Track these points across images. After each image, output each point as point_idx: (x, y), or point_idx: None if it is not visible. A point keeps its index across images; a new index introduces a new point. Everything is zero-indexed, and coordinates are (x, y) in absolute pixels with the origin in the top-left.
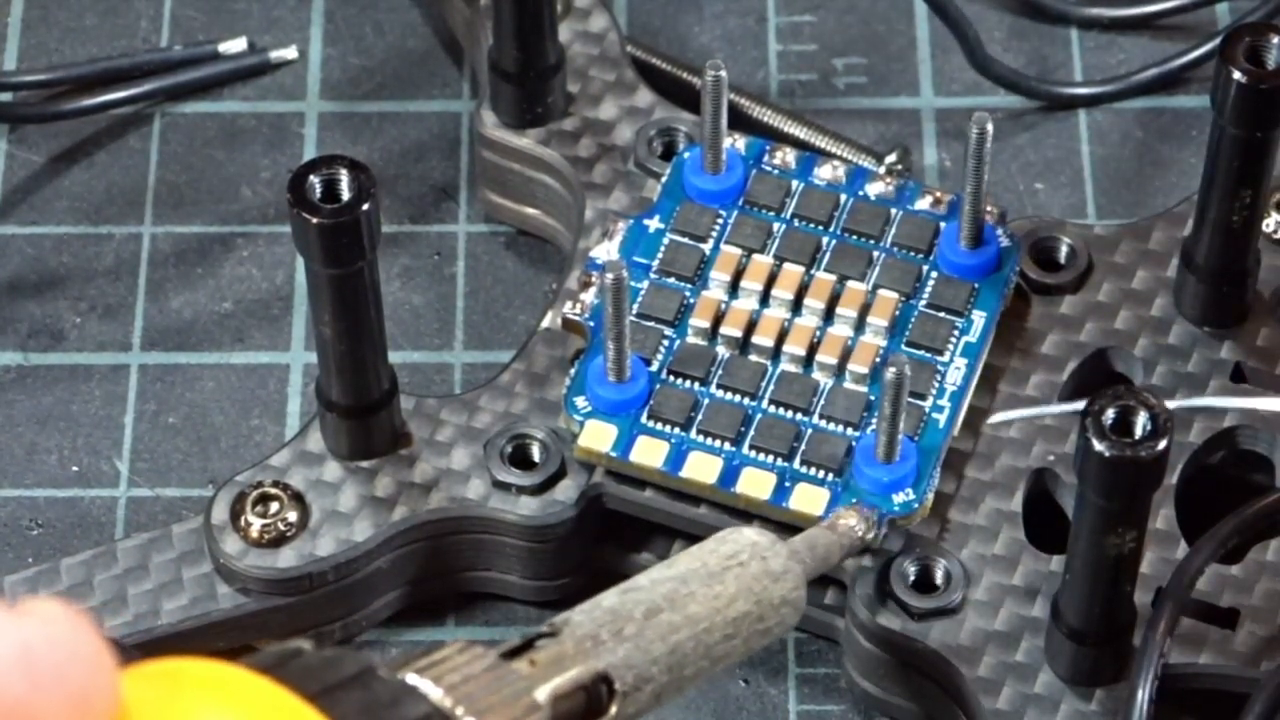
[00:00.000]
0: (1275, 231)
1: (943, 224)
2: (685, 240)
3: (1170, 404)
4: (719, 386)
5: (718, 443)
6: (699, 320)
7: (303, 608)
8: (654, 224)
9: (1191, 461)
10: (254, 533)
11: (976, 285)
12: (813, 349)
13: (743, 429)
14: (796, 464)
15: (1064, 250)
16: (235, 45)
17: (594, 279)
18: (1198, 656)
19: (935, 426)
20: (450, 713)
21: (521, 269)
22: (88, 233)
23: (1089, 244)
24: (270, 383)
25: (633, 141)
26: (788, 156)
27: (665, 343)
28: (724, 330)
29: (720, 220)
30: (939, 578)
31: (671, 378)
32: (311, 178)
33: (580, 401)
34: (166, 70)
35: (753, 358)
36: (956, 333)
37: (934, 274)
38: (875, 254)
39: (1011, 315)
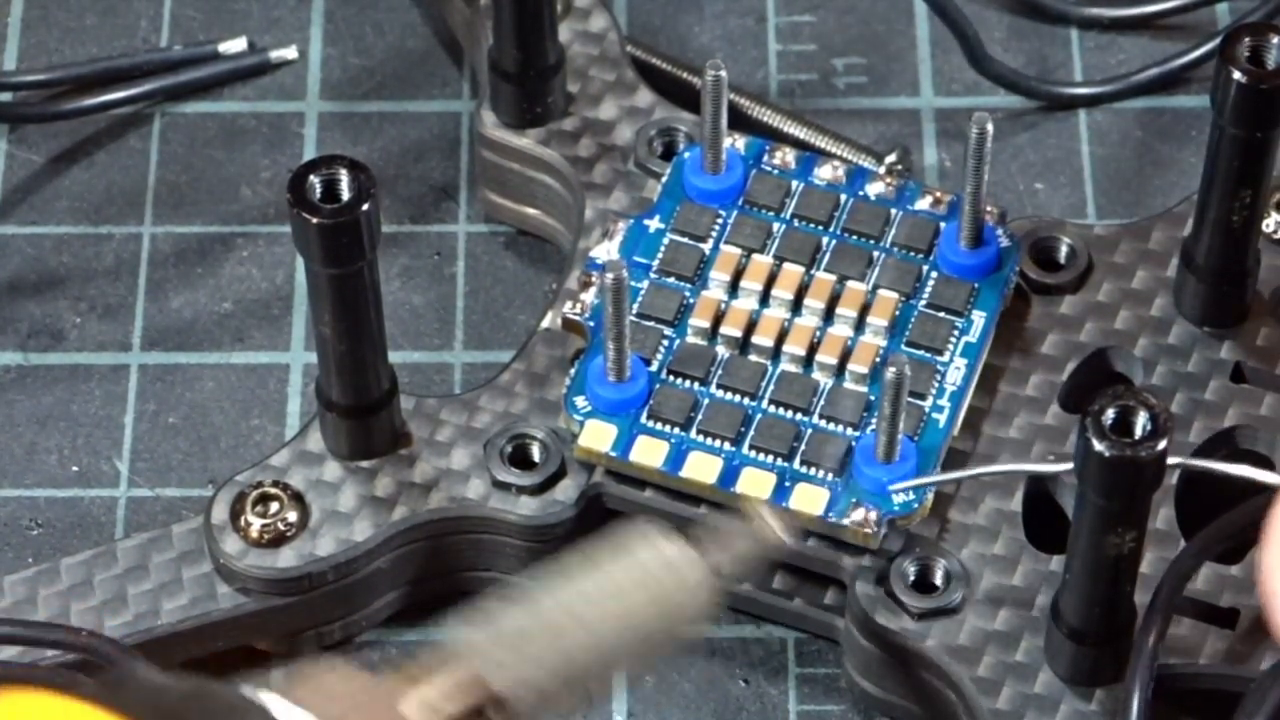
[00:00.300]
0: (1275, 231)
1: (943, 224)
2: (685, 240)
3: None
4: (719, 386)
5: (718, 443)
6: (699, 320)
7: (302, 608)
8: (654, 224)
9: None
10: (254, 533)
11: (976, 285)
12: (813, 349)
13: (743, 429)
14: (796, 464)
15: (1064, 250)
16: (235, 45)
17: (594, 279)
18: (1197, 657)
19: (935, 426)
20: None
21: (521, 269)
22: (88, 233)
23: (1089, 244)
24: (270, 383)
25: (633, 141)
26: (788, 156)
27: (665, 343)
28: (724, 330)
29: (720, 220)
30: (939, 578)
31: (671, 378)
32: (311, 178)
33: (580, 401)
34: (166, 70)
35: (753, 358)
36: (956, 333)
37: (934, 274)
38: (875, 254)
39: (1011, 315)
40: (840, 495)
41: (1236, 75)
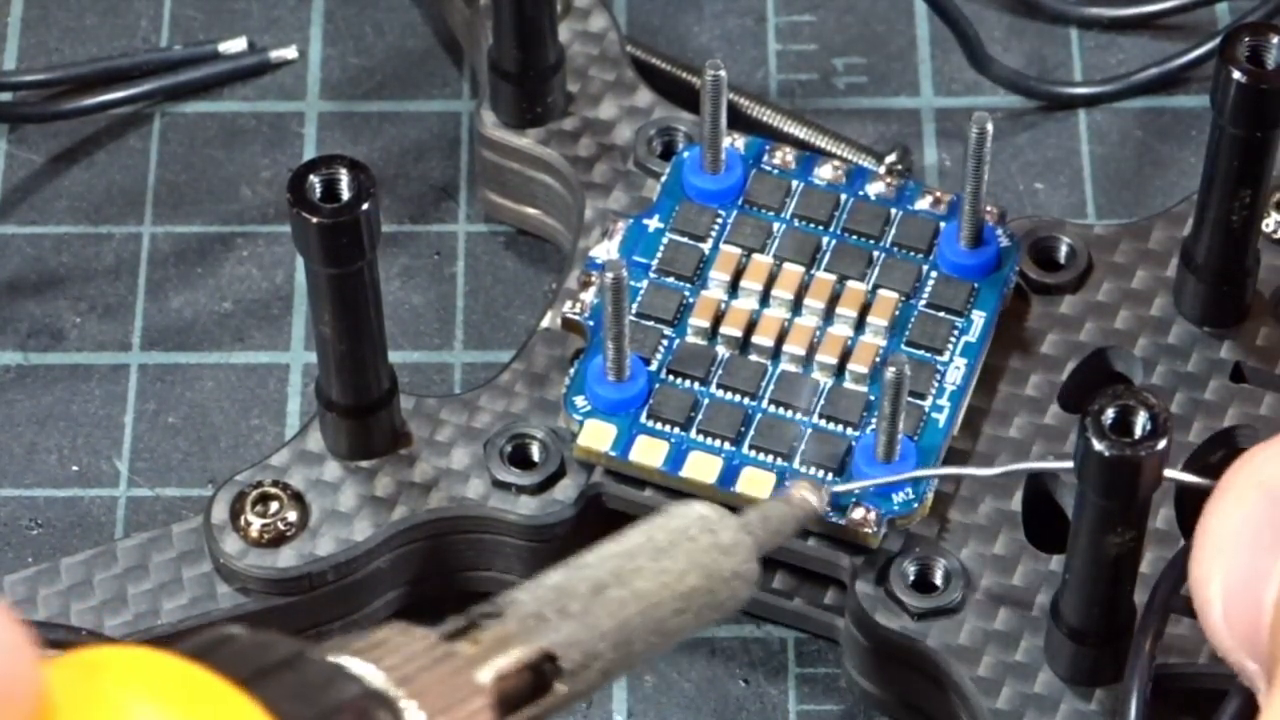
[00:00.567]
0: (1275, 231)
1: (943, 224)
2: (685, 240)
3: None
4: (719, 386)
5: (717, 442)
6: (699, 320)
7: (302, 608)
8: (654, 224)
9: (1191, 461)
10: (254, 532)
11: (976, 285)
12: (813, 349)
13: (743, 429)
14: (796, 464)
15: (1064, 250)
16: (235, 45)
17: (594, 279)
18: (1197, 657)
19: (935, 426)
20: (387, 695)
21: (521, 269)
22: (88, 233)
23: (1089, 244)
24: (270, 383)
25: (632, 141)
26: (787, 156)
27: (665, 342)
28: (724, 330)
29: (720, 220)
30: (939, 578)
31: (671, 377)
32: (311, 177)
33: (580, 401)
34: (166, 70)
35: (753, 357)
36: (956, 332)
37: (934, 274)
38: (875, 254)
39: (1011, 315)
40: (840, 495)
41: (1236, 75)
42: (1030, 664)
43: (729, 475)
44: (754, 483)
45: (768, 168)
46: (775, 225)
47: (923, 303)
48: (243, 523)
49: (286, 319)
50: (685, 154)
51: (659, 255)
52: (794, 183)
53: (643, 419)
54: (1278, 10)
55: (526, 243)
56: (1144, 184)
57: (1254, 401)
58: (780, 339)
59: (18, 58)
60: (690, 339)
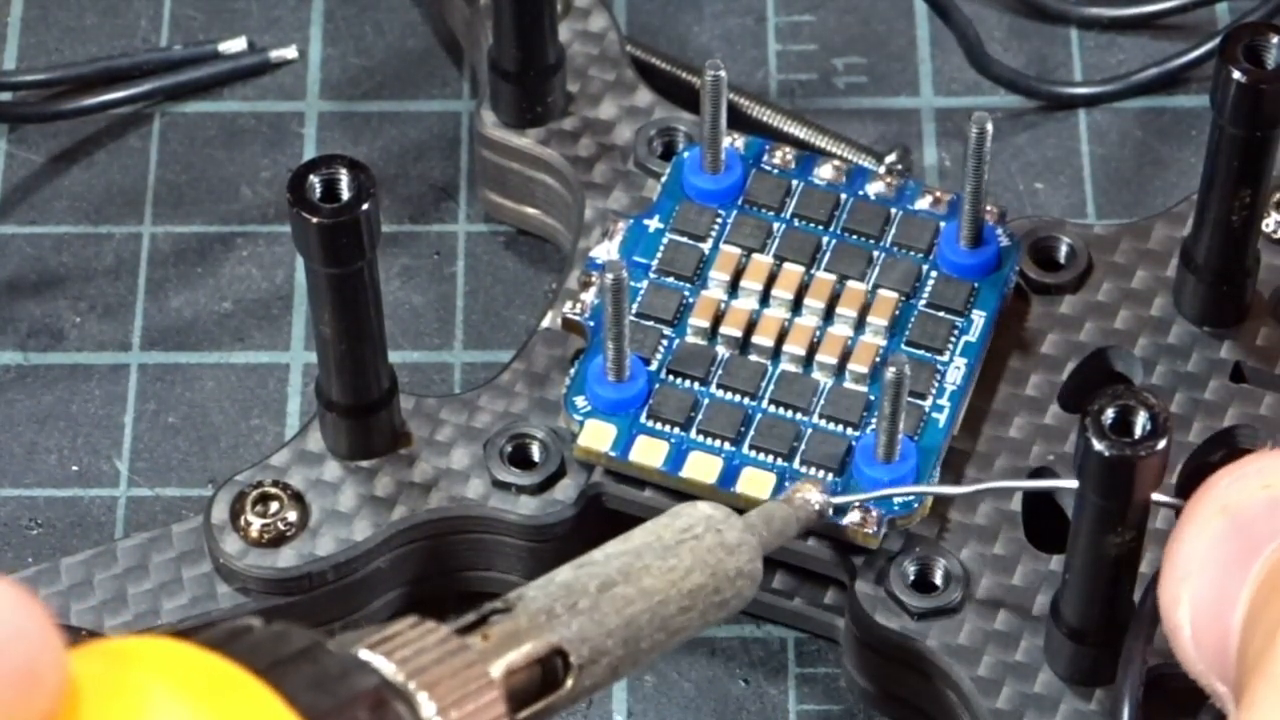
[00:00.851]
0: (1275, 231)
1: (943, 224)
2: (685, 240)
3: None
4: (719, 386)
5: (718, 442)
6: (698, 320)
7: (302, 607)
8: (654, 224)
9: (1191, 461)
10: (254, 532)
11: (976, 285)
12: (813, 349)
13: (743, 429)
14: (796, 464)
15: (1064, 250)
16: (235, 45)
17: (594, 279)
18: None
19: (935, 426)
20: (401, 686)
21: (521, 269)
22: (88, 233)
23: (1089, 244)
24: (270, 383)
25: (632, 141)
26: (787, 156)
27: (665, 342)
28: (724, 330)
29: (720, 220)
30: (939, 578)
31: (671, 377)
32: (311, 177)
33: (580, 401)
34: (166, 70)
35: (753, 357)
36: (956, 332)
37: (934, 274)
38: (875, 254)
39: (1011, 315)
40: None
41: (1236, 75)
42: (1030, 664)
43: (729, 475)
44: (754, 483)
45: (768, 168)
46: (775, 225)
47: (923, 303)
48: (243, 523)
49: (286, 319)
50: (685, 154)
51: (659, 255)
52: (794, 183)
53: (643, 419)
54: (1278, 10)
55: (526, 243)
56: (1144, 184)
57: (1254, 401)
58: (780, 339)
59: (18, 58)
60: (690, 339)
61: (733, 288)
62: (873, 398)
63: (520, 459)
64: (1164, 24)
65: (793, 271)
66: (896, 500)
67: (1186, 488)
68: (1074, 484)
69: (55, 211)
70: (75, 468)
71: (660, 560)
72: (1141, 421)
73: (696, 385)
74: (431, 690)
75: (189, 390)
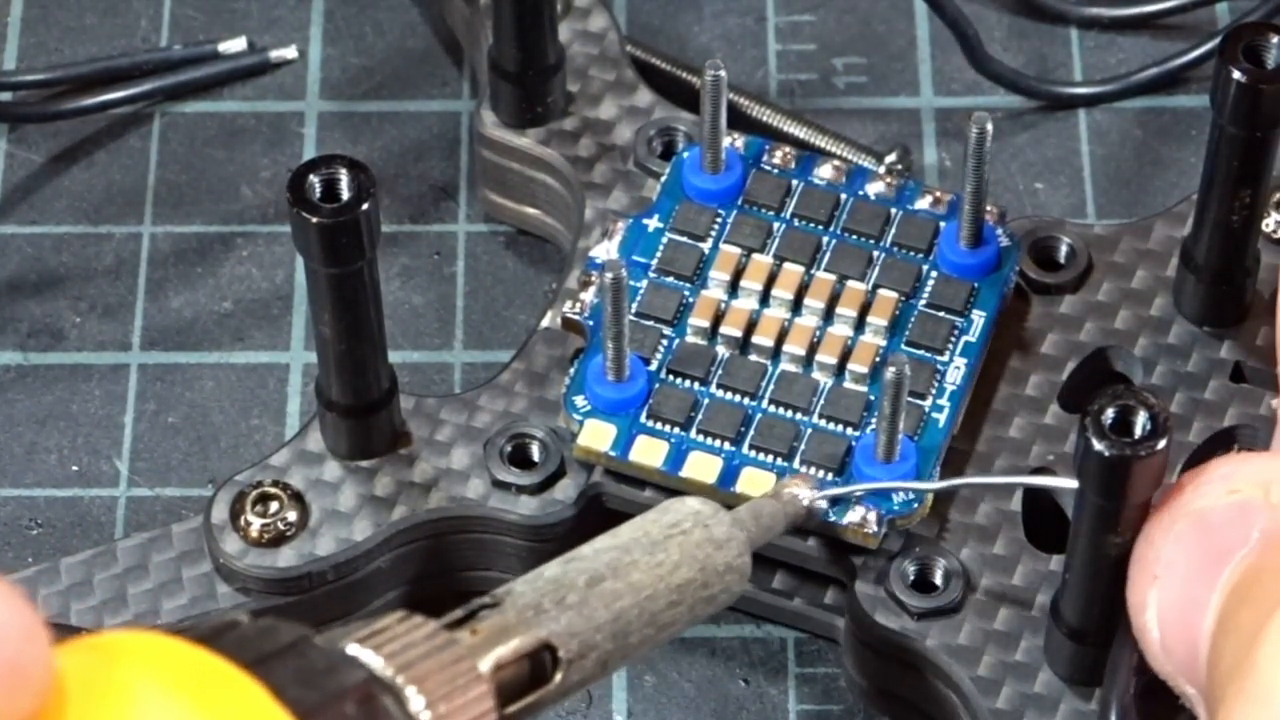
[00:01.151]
0: (1275, 231)
1: (942, 223)
2: (684, 240)
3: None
4: (719, 386)
5: (717, 442)
6: (698, 320)
7: (302, 607)
8: (653, 223)
9: (1191, 461)
10: (254, 532)
11: (976, 285)
12: (813, 349)
13: (742, 429)
14: (796, 464)
15: (1064, 250)
16: (235, 45)
17: (593, 278)
18: None
19: (935, 426)
20: (389, 681)
21: (521, 269)
22: (88, 233)
23: (1089, 243)
24: (270, 382)
25: (632, 141)
26: (787, 156)
27: (664, 342)
28: (724, 330)
29: (719, 220)
30: (939, 578)
31: (671, 377)
32: (311, 177)
33: (580, 401)
34: (166, 70)
35: (753, 357)
36: (956, 332)
37: (934, 274)
38: (875, 254)
39: (1011, 315)
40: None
41: (1236, 75)
42: (1030, 664)
43: (729, 475)
44: (754, 483)
45: (768, 167)
46: (775, 225)
47: (923, 303)
48: (243, 523)
49: (286, 319)
50: (685, 154)
51: (659, 255)
52: (794, 182)
53: (643, 419)
54: (1278, 10)
55: (526, 243)
56: (1144, 184)
57: (1254, 401)
58: (780, 339)
59: (18, 58)
60: (690, 339)
61: (733, 288)
62: (873, 398)
63: (520, 459)
64: (1164, 24)
65: (793, 271)
66: (896, 500)
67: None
68: (1073, 484)
69: (55, 211)
70: (75, 468)
71: (648, 555)
72: (1141, 421)
73: (696, 385)
74: (420, 684)
75: (189, 390)
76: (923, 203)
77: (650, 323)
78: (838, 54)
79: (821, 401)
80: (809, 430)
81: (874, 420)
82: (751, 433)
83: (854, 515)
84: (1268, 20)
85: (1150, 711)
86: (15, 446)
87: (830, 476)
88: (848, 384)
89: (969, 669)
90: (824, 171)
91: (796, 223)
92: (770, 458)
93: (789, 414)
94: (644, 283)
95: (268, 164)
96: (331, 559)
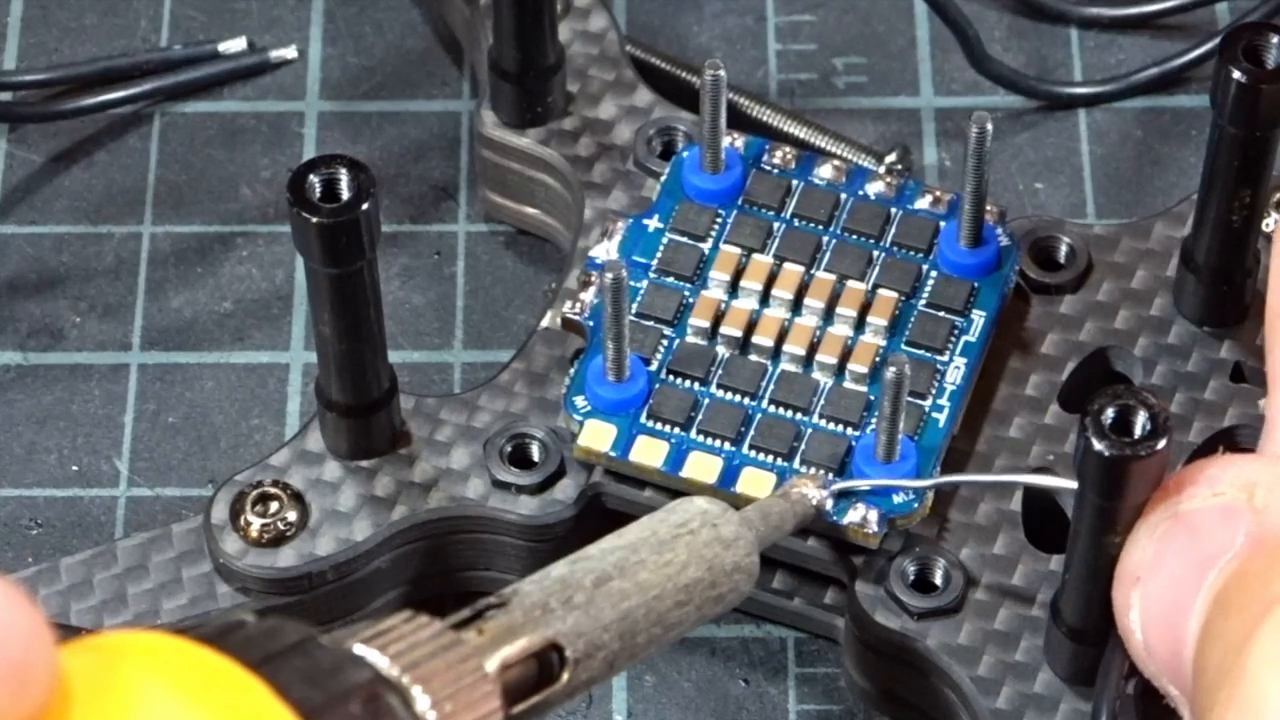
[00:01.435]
0: (1275, 230)
1: (942, 223)
2: (684, 240)
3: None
4: (719, 386)
5: (718, 442)
6: (698, 320)
7: (302, 607)
8: (653, 223)
9: (1191, 461)
10: (254, 532)
11: (976, 285)
12: (813, 349)
13: (743, 429)
14: (796, 464)
15: (1064, 250)
16: (235, 45)
17: (593, 278)
18: None
19: (935, 426)
20: (395, 681)
21: (521, 268)
22: (88, 232)
23: (1089, 243)
24: (270, 382)
25: (632, 141)
26: (787, 156)
27: (665, 342)
28: (724, 330)
29: (720, 220)
30: (938, 578)
31: (671, 377)
32: (311, 177)
33: (580, 401)
34: (166, 70)
35: (753, 357)
36: (956, 332)
37: (934, 273)
38: (875, 253)
39: (1011, 315)
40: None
41: (1236, 75)
42: (1030, 664)
43: (729, 475)
44: (754, 483)
45: (767, 167)
46: (775, 225)
47: (923, 302)
48: (243, 523)
49: (286, 319)
50: (685, 154)
51: (659, 255)
52: (794, 182)
53: (643, 419)
54: (1278, 10)
55: (526, 243)
56: (1144, 184)
57: (1254, 401)
58: (780, 339)
59: (18, 58)
60: (690, 339)
61: (733, 287)
62: (873, 398)
63: (520, 459)
64: (1164, 24)
65: (793, 271)
66: (896, 500)
67: None
68: (1073, 484)
69: (55, 211)
70: (75, 468)
71: (656, 555)
72: (1141, 421)
73: (696, 385)
74: (426, 684)
75: (189, 390)
76: (923, 202)
77: (650, 323)
78: (838, 54)
79: (821, 401)
80: (809, 430)
81: (874, 420)
82: (752, 433)
83: (854, 515)
84: (1268, 20)
85: (1149, 712)
86: (15, 446)
87: (831, 476)
88: (848, 384)
89: (969, 669)
90: (824, 171)
91: (796, 223)
92: (770, 458)
93: (789, 414)
94: (644, 283)
95: (268, 164)
96: (331, 559)
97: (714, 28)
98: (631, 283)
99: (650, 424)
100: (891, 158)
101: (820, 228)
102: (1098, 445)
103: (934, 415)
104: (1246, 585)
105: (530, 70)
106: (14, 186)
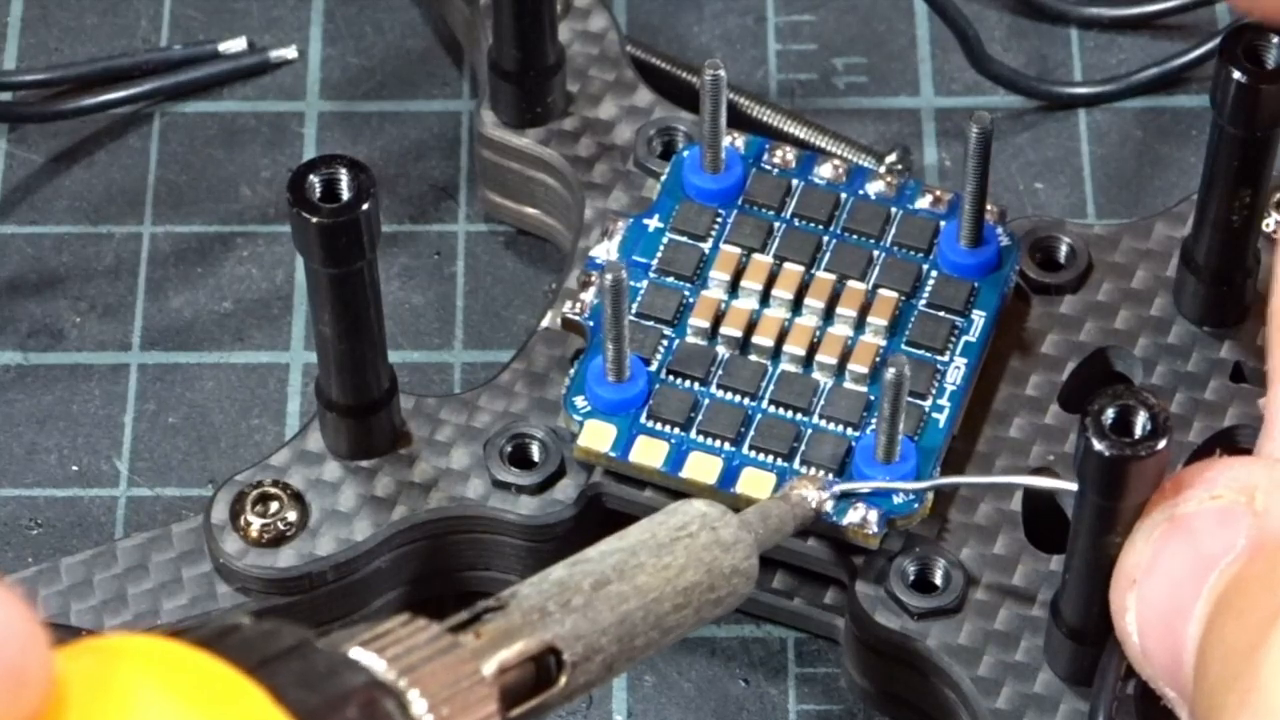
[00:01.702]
0: (1275, 231)
1: (943, 223)
2: (685, 240)
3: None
4: (719, 386)
5: (717, 443)
6: (698, 320)
7: (302, 607)
8: (653, 223)
9: (1191, 461)
10: (254, 532)
11: (976, 285)
12: (813, 349)
13: (743, 429)
14: (796, 464)
15: (1064, 250)
16: (235, 45)
17: (593, 278)
18: None
19: (935, 426)
20: (391, 684)
21: (521, 269)
22: (88, 232)
23: (1089, 243)
24: (270, 382)
25: (632, 141)
26: (787, 155)
27: (665, 342)
28: (724, 330)
29: (720, 219)
30: (939, 578)
31: (671, 377)
32: (311, 177)
33: (580, 401)
34: (166, 70)
35: (753, 358)
36: (956, 332)
37: (934, 273)
38: (875, 253)
39: (1011, 315)
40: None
41: (1236, 75)
42: (1030, 664)
43: (729, 476)
44: (754, 483)
45: (768, 167)
46: (775, 225)
47: (923, 303)
48: (243, 523)
49: (286, 319)
50: (685, 154)
51: (659, 255)
52: (794, 182)
53: (643, 419)
54: None
55: (526, 243)
56: (1144, 184)
57: (1254, 401)
58: (780, 339)
59: (18, 58)
60: (690, 339)
61: (733, 287)
62: (873, 398)
63: (520, 459)
64: (1164, 24)
65: (793, 271)
66: (896, 500)
67: None
68: (1073, 486)
69: (55, 211)
70: (75, 468)
71: (655, 558)
72: (1141, 421)
73: (696, 385)
74: (423, 687)
75: (189, 390)
76: (923, 202)
77: (650, 323)
78: (838, 54)
79: (822, 402)
80: (809, 430)
81: (874, 420)
82: (752, 433)
83: (854, 515)
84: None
85: (1148, 712)
86: (15, 446)
87: (831, 478)
88: (848, 384)
89: (969, 669)
90: (824, 171)
91: (797, 222)
92: (770, 458)
93: (789, 414)
94: (644, 283)
95: (268, 164)
96: (331, 559)
97: (714, 28)
98: (631, 283)
99: (650, 424)
100: (891, 158)
101: (820, 228)
102: (1098, 445)
103: (934, 415)
104: (1249, 589)
105: (530, 70)
106: (14, 186)
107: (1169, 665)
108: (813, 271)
